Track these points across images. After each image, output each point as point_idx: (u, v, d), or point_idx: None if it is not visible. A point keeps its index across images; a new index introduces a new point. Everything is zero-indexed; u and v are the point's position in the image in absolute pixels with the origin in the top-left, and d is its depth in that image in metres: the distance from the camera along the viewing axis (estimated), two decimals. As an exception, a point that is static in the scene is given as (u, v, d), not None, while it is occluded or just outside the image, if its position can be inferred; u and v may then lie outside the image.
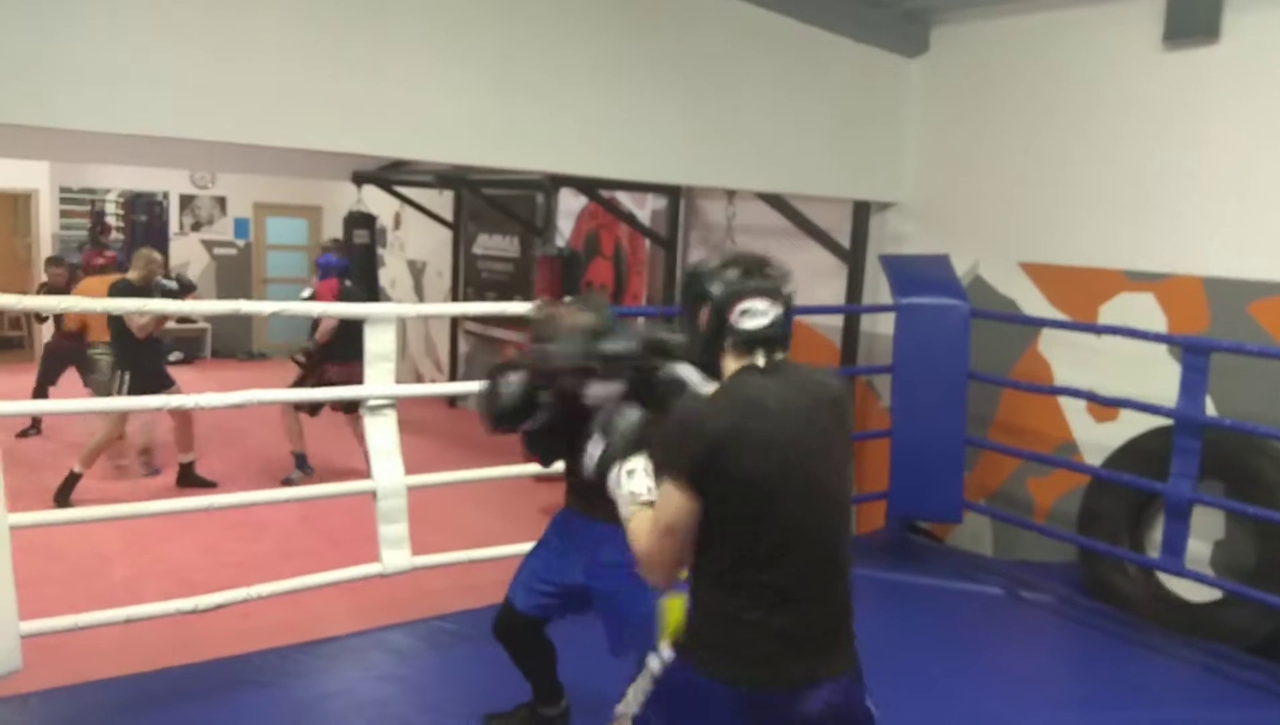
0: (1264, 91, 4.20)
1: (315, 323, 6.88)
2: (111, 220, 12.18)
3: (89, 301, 4.64)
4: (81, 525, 4.29)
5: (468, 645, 3.74)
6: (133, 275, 6.46)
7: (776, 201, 5.69)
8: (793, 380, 2.01)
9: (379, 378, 3.66)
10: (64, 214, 11.88)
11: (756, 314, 2.00)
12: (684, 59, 4.63)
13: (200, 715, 3.18)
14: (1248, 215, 4.26)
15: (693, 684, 1.99)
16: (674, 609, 2.74)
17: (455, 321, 10.10)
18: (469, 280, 10.04)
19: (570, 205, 8.42)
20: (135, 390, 6.08)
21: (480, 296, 9.73)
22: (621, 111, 4.48)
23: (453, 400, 10.12)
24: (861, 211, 5.75)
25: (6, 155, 9.22)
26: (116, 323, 6.26)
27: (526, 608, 2.94)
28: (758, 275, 2.04)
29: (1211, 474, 4.08)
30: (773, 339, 2.02)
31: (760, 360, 2.00)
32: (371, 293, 8.99)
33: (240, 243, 13.00)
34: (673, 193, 7.19)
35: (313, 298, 6.86)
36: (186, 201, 12.69)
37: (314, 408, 6.85)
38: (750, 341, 2.00)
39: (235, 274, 12.82)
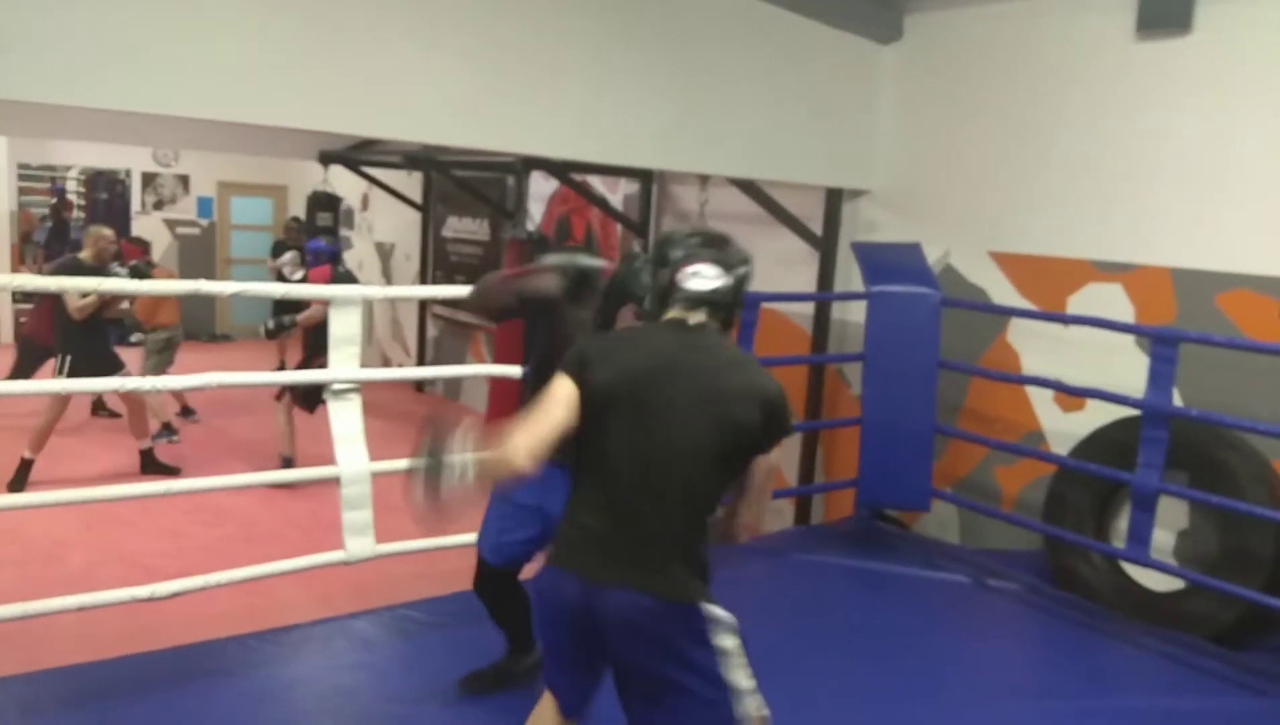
0: (1235, 83, 4.22)
1: (287, 303, 6.72)
2: (73, 198, 11.95)
3: (41, 280, 4.48)
4: (38, 510, 4.20)
5: (434, 632, 3.69)
6: (84, 254, 6.28)
7: (749, 187, 5.66)
8: (703, 346, 2.20)
9: (343, 362, 3.59)
10: (23, 191, 11.62)
11: (704, 277, 2.22)
12: (659, 43, 4.58)
13: (161, 705, 3.10)
14: (1216, 207, 4.29)
15: (542, 576, 2.24)
16: None
17: (424, 305, 10.00)
18: (438, 263, 9.94)
19: (541, 189, 8.35)
20: (76, 374, 5.92)
21: (449, 280, 9.63)
22: (596, 95, 4.42)
23: (420, 384, 10.03)
24: (834, 199, 5.73)
25: (-38, 130, 9.00)
26: (59, 305, 6.08)
27: (499, 562, 3.03)
28: (715, 247, 2.26)
29: (1176, 464, 4.11)
30: (714, 304, 2.23)
31: (693, 319, 2.22)
32: (333, 275, 8.87)
33: (204, 222, 12.79)
34: (645, 177, 7.14)
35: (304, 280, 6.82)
36: (149, 180, 12.46)
37: (310, 403, 6.36)
38: (692, 301, 2.22)
39: (199, 254, 12.61)
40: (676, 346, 2.19)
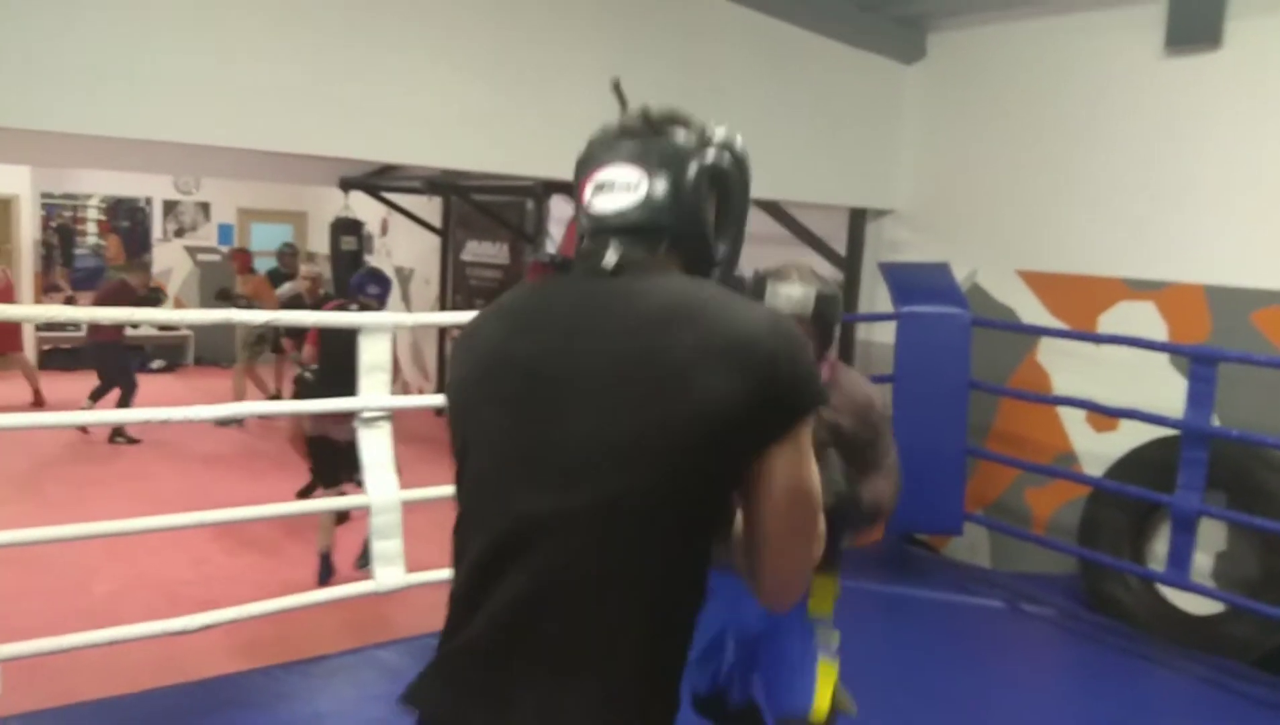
0: (1265, 98, 4.17)
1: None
2: (92, 226, 12.06)
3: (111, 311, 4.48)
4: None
5: (463, 663, 3.64)
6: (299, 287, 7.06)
7: (772, 208, 5.63)
8: (628, 292, 1.24)
9: (374, 389, 3.57)
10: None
11: (613, 189, 1.31)
12: (679, 64, 4.57)
13: (188, 738, 3.08)
14: (1250, 223, 4.23)
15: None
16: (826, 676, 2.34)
17: (443, 329, 9.99)
18: (457, 287, 9.94)
19: (562, 212, 8.35)
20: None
21: (469, 304, 9.62)
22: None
23: (440, 409, 10.00)
24: (858, 219, 5.70)
25: (-13, 159, 9.10)
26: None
27: (704, 688, 2.45)
28: (643, 133, 1.35)
29: (1213, 485, 4.04)
30: (634, 230, 1.29)
31: (611, 258, 1.27)
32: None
33: (224, 249, 12.84)
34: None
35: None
36: (170, 207, 12.54)
37: (328, 477, 5.20)
38: (598, 230, 1.31)
39: (219, 281, 12.63)
40: (580, 307, 1.26)
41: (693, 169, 1.31)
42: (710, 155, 1.33)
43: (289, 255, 9.79)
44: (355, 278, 5.76)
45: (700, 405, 1.16)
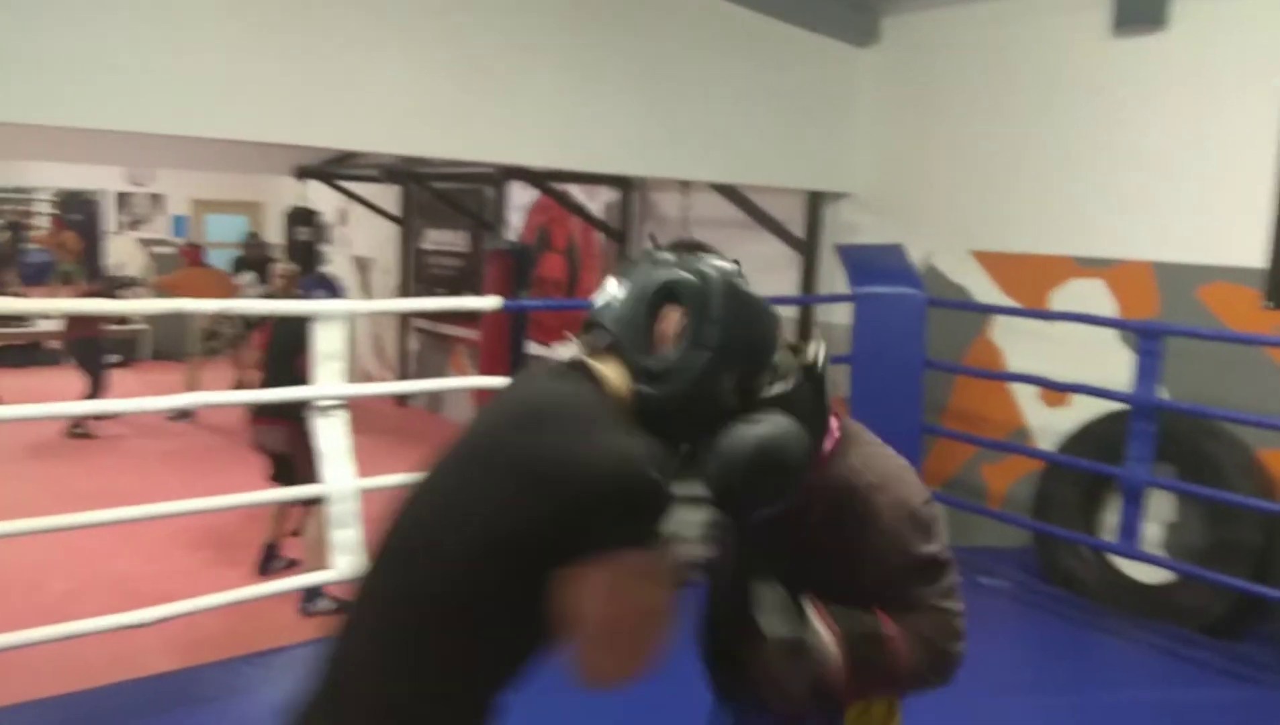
0: (1210, 79, 4.25)
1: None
2: (44, 220, 11.86)
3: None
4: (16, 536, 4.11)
5: (425, 650, 3.64)
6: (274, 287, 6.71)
7: (730, 192, 5.65)
8: (540, 387, 1.41)
9: (329, 377, 3.54)
10: (-3, 214, 11.51)
11: (603, 293, 1.46)
12: (637, 51, 4.57)
13: (146, 733, 3.05)
14: (1196, 201, 4.31)
15: None
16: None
17: (404, 318, 9.93)
18: (418, 276, 9.88)
19: (521, 199, 8.32)
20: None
21: (429, 292, 9.57)
22: (575, 103, 4.40)
23: (402, 398, 9.96)
24: (815, 202, 5.73)
25: (-70, 152, 8.91)
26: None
27: None
28: (653, 260, 1.46)
29: (1162, 457, 4.12)
30: (599, 327, 1.42)
31: (575, 352, 1.45)
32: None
33: (179, 241, 12.66)
34: (625, 185, 7.12)
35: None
36: (123, 199, 12.33)
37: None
38: (586, 325, 1.47)
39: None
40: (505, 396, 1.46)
41: (653, 281, 1.40)
42: (678, 274, 1.40)
43: (255, 246, 9.68)
44: (302, 282, 5.59)
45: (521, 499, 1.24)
